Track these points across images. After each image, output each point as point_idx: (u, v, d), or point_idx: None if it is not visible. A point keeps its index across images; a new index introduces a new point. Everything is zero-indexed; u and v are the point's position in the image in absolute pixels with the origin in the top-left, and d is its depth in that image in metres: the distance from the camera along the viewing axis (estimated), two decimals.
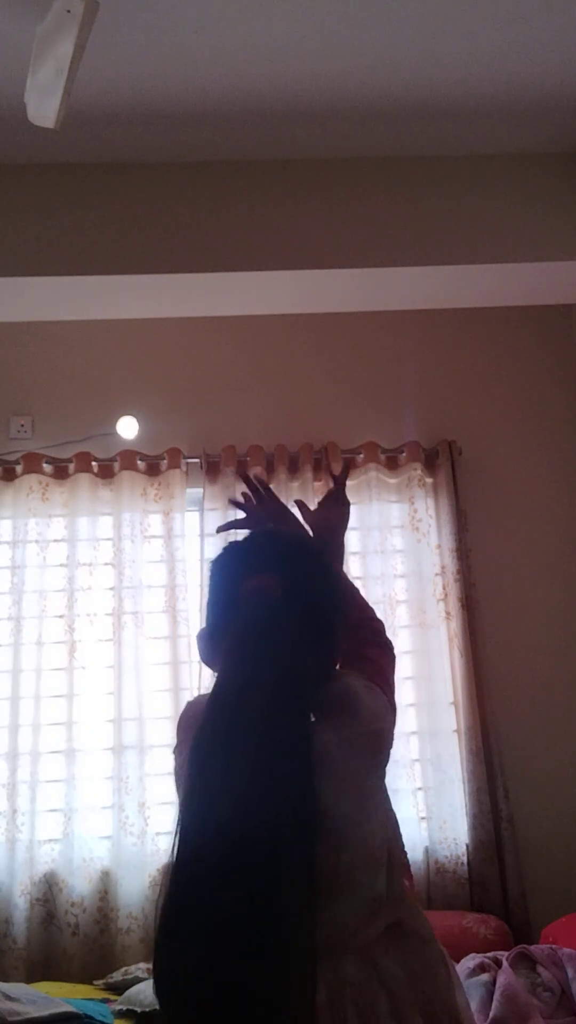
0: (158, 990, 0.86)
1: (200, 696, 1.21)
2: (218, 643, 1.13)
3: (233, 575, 1.20)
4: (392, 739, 1.22)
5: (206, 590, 1.29)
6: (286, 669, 1.01)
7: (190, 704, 1.24)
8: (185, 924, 0.85)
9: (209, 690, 1.05)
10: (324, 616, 1.19)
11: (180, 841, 0.90)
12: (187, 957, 0.83)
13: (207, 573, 1.30)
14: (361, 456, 3.54)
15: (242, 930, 0.82)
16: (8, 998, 2.31)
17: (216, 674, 1.07)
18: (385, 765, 1.20)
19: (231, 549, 1.28)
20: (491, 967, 2.41)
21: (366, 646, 1.35)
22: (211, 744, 0.95)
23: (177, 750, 1.19)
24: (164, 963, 0.85)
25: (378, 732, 1.17)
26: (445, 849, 3.19)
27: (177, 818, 0.93)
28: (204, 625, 1.25)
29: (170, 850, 0.91)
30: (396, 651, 1.42)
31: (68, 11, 1.88)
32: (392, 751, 1.23)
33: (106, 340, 3.62)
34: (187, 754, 1.01)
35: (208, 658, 1.21)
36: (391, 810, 1.19)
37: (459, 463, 3.54)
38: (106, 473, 3.47)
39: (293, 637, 1.05)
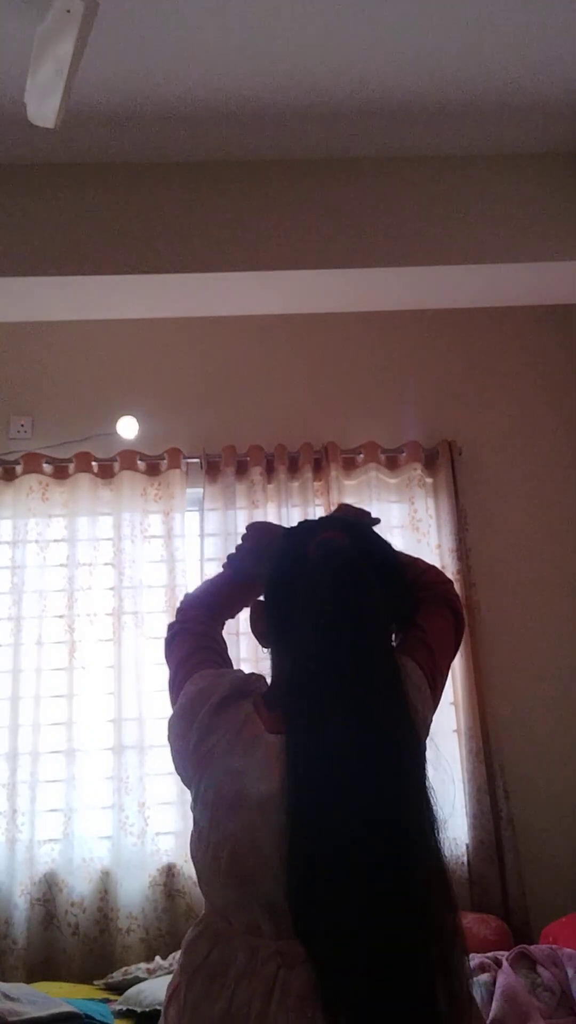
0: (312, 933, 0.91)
1: (207, 672, 1.20)
2: (283, 610, 1.16)
3: (299, 538, 1.22)
4: (426, 726, 1.18)
5: (269, 569, 1.27)
6: (371, 613, 1.06)
7: (201, 676, 1.19)
8: (329, 887, 0.91)
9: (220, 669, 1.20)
10: (388, 566, 1.23)
11: (302, 809, 0.94)
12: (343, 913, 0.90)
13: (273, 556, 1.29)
14: (361, 456, 3.54)
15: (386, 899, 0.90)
16: (8, 998, 2.31)
17: (281, 641, 1.16)
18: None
19: (291, 530, 1.32)
20: (491, 967, 2.41)
21: (431, 617, 1.29)
22: (317, 709, 0.98)
23: (193, 728, 1.12)
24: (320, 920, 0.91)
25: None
26: (445, 849, 3.18)
27: (290, 787, 0.96)
28: (261, 600, 1.27)
29: (289, 817, 0.95)
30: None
31: (68, 11, 1.89)
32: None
33: (106, 340, 3.62)
34: (287, 721, 1.03)
35: (268, 627, 1.22)
36: None
37: (459, 463, 3.54)
38: (106, 473, 3.47)
39: (370, 580, 1.08)
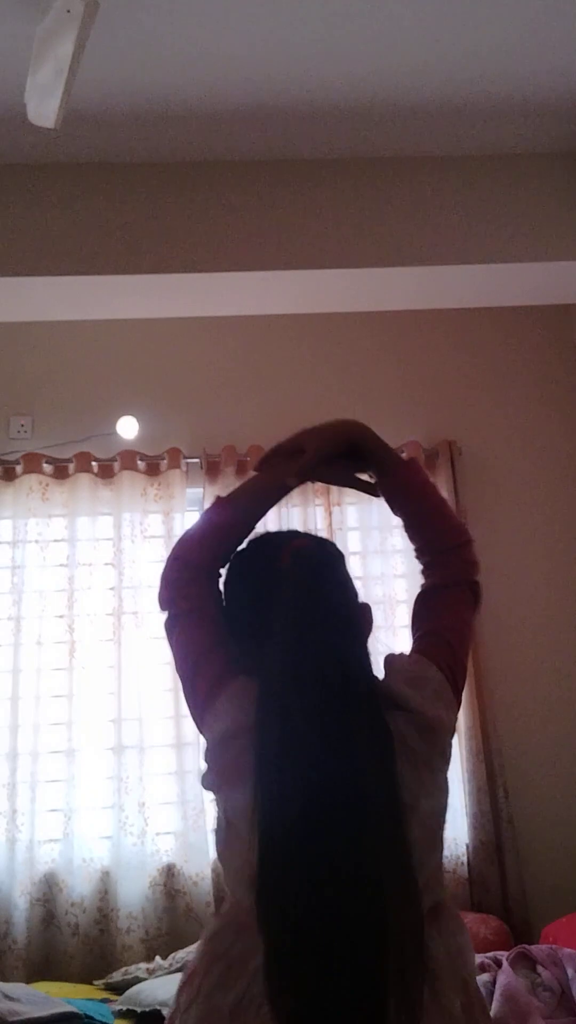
0: (268, 922, 0.95)
1: (241, 684, 1.14)
2: (254, 625, 1.12)
3: (268, 550, 1.20)
4: (450, 730, 1.16)
5: (227, 592, 1.23)
6: (352, 619, 1.10)
7: (235, 696, 1.14)
8: (289, 886, 0.94)
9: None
10: (351, 587, 1.21)
11: (270, 810, 0.97)
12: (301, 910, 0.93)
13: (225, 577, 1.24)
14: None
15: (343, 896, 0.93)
16: (8, 998, 2.31)
17: (270, 652, 1.09)
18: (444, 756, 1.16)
19: (247, 547, 1.26)
20: (491, 967, 2.41)
21: (452, 609, 1.25)
22: (291, 713, 1.00)
23: (232, 747, 1.10)
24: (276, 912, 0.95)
25: (433, 722, 1.13)
26: (445, 849, 3.18)
27: (258, 783, 0.99)
28: (233, 624, 1.19)
29: (256, 815, 0.98)
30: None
31: (68, 11, 1.89)
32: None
33: (106, 340, 3.62)
34: (253, 722, 1.04)
35: (250, 648, 1.14)
36: (447, 790, 1.18)
37: (459, 463, 3.54)
38: (106, 473, 3.47)
39: (349, 584, 1.11)
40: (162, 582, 1.23)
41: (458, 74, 2.50)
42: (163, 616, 1.24)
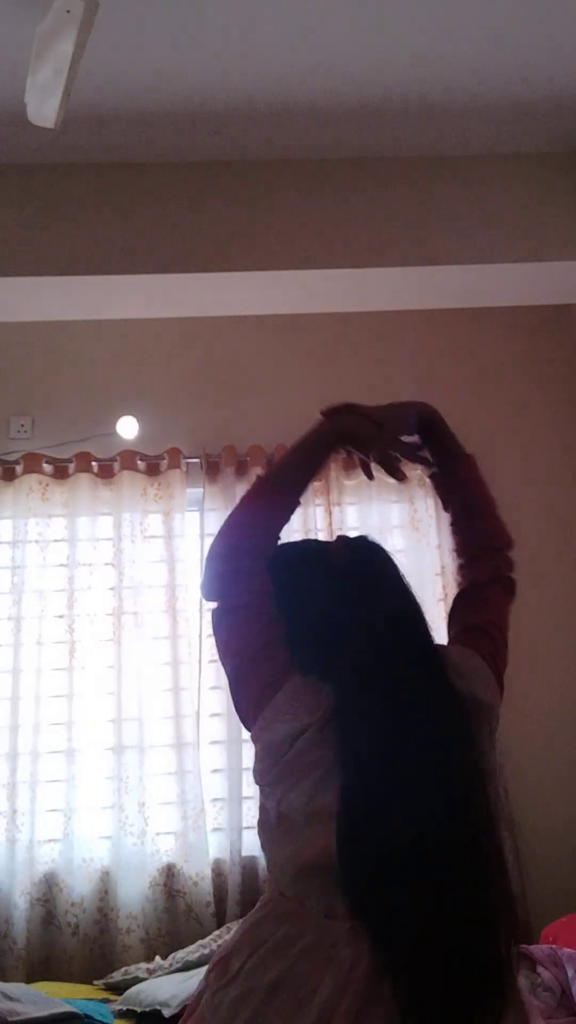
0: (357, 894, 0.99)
1: (298, 682, 1.12)
2: (328, 620, 1.14)
3: (316, 555, 1.23)
4: (497, 715, 1.21)
5: (283, 592, 1.20)
6: (418, 612, 1.17)
7: (294, 692, 1.13)
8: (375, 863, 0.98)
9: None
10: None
11: (365, 802, 1.00)
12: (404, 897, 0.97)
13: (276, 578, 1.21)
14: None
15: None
16: (8, 998, 2.31)
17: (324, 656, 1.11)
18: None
19: (288, 553, 1.26)
20: None
21: (491, 602, 1.29)
22: (375, 707, 1.04)
23: (296, 744, 1.09)
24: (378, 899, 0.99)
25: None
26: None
27: (349, 778, 1.01)
28: (293, 624, 1.17)
29: (342, 797, 1.01)
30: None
31: (68, 11, 1.88)
32: None
33: (106, 340, 3.62)
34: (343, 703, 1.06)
35: (314, 646, 1.13)
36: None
37: None
38: (106, 473, 3.47)
39: (401, 571, 1.17)
40: (213, 572, 1.17)
41: (458, 74, 2.50)
42: (211, 606, 1.19)
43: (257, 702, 1.12)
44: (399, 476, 1.35)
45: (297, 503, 1.24)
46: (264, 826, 1.15)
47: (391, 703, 1.05)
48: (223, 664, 1.18)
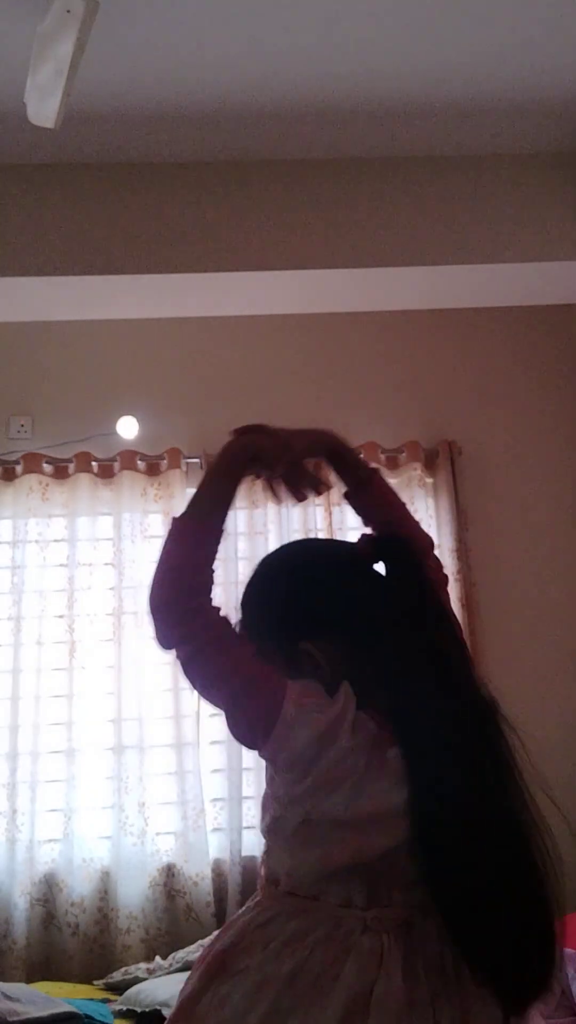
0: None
1: (310, 684, 1.11)
2: (365, 615, 1.16)
3: (343, 553, 1.25)
4: None
5: (295, 590, 1.20)
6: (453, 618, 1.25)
7: (308, 689, 1.11)
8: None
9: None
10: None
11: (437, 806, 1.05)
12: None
13: (281, 578, 1.22)
14: (361, 456, 3.53)
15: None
16: (8, 998, 2.31)
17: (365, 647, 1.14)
18: None
19: (307, 558, 1.27)
20: None
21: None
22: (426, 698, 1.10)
23: (332, 750, 1.07)
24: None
25: None
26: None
27: (419, 792, 1.05)
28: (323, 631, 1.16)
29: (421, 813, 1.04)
30: None
31: (68, 11, 1.89)
32: None
33: (106, 340, 3.61)
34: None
35: (346, 649, 1.15)
36: None
37: (459, 463, 3.54)
38: (106, 473, 3.47)
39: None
40: (164, 622, 1.14)
41: (459, 75, 2.50)
42: (176, 651, 1.14)
43: (265, 719, 1.09)
44: (300, 497, 1.35)
45: (222, 531, 1.20)
46: (279, 832, 1.13)
47: (451, 718, 1.11)
48: (211, 700, 1.14)
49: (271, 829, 1.14)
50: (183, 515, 1.20)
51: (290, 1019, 1.01)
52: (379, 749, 1.08)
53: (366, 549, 1.23)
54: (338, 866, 1.06)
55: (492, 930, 1.01)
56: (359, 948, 1.02)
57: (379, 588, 1.18)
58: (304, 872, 1.10)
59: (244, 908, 1.17)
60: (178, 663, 1.15)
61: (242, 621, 1.21)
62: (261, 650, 1.14)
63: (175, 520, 1.19)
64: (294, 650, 1.15)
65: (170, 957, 2.83)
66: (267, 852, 1.18)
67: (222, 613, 1.14)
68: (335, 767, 1.06)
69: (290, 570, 1.25)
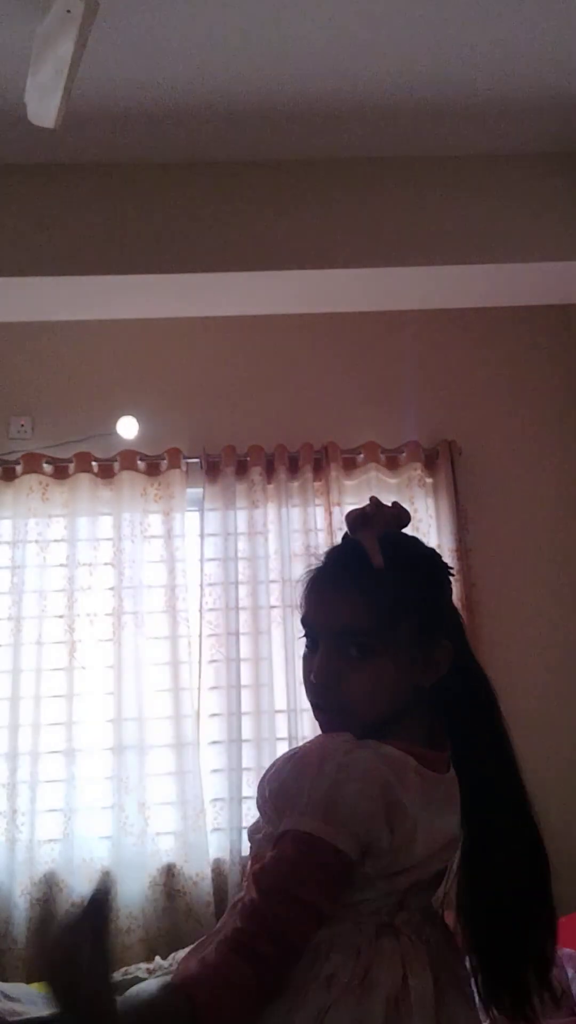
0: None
1: (379, 748, 1.07)
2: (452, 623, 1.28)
3: (433, 554, 1.30)
4: None
5: (434, 588, 1.25)
6: None
7: (383, 756, 1.06)
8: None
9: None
10: None
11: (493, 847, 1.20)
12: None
13: (439, 575, 1.26)
14: (361, 456, 3.54)
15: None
16: (8, 998, 2.32)
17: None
18: None
19: (421, 544, 1.31)
20: None
21: None
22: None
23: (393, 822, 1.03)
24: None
25: None
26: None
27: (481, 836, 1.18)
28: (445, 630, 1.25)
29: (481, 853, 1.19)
30: None
31: (68, 11, 1.88)
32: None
33: (106, 340, 3.61)
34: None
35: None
36: None
37: (459, 463, 3.54)
38: (106, 473, 3.47)
39: None
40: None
41: (459, 75, 2.50)
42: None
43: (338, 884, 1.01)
44: None
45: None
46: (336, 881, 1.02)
47: (503, 738, 1.30)
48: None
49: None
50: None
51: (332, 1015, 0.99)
52: (434, 787, 1.11)
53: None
54: (397, 891, 1.08)
55: (513, 945, 1.16)
56: (382, 951, 1.04)
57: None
58: (364, 899, 1.06)
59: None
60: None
61: (365, 629, 1.14)
62: (389, 649, 1.12)
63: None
64: (433, 646, 1.20)
65: (170, 957, 2.83)
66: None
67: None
68: (407, 833, 1.04)
69: (432, 569, 1.25)
